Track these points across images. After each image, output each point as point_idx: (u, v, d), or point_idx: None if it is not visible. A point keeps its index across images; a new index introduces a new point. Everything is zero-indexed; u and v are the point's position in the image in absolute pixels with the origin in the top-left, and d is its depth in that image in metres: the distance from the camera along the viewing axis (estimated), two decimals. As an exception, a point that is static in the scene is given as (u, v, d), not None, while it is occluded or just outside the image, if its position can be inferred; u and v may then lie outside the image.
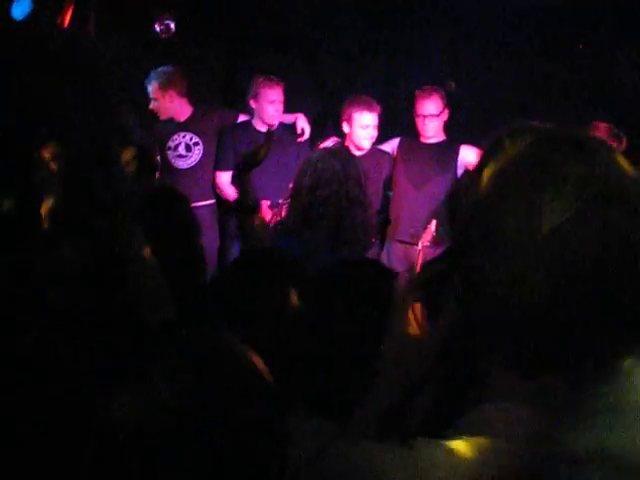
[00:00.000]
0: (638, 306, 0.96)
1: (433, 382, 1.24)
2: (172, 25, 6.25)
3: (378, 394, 1.28)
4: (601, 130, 5.08)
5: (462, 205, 1.05)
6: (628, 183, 0.98)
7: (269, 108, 5.44)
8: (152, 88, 5.55)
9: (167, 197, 3.45)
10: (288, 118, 5.61)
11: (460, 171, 5.36)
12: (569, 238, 0.93)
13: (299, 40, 6.40)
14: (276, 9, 6.12)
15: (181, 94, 5.55)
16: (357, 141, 5.20)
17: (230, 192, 5.48)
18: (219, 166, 5.55)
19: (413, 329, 1.23)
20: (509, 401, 1.02)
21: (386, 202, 5.41)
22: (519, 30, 5.89)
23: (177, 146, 5.57)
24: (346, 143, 5.24)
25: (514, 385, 1.02)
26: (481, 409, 1.05)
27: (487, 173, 1.02)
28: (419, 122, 5.39)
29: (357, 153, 5.09)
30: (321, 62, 6.54)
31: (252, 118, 5.59)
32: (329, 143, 5.32)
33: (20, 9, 5.48)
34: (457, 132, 5.49)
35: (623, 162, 1.02)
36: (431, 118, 5.35)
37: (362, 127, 5.18)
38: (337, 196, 3.19)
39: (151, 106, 5.60)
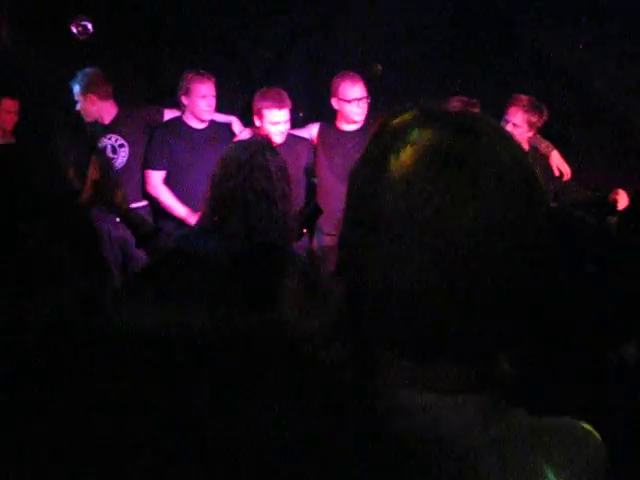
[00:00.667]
0: (520, 293, 0.98)
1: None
2: (89, 25, 6.13)
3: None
4: (522, 101, 5.13)
5: (353, 189, 1.05)
6: (512, 166, 0.98)
7: (201, 103, 5.34)
8: (75, 91, 5.45)
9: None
10: (221, 118, 5.53)
11: None
12: (450, 221, 0.93)
13: (220, 32, 6.34)
14: (194, 3, 6.06)
15: (102, 97, 5.43)
16: (268, 137, 5.11)
17: (164, 192, 5.40)
18: (150, 165, 5.43)
19: None
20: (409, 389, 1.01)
21: (312, 189, 5.36)
22: (439, 5, 5.92)
23: (104, 148, 5.47)
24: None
25: (411, 372, 1.01)
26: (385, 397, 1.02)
27: (372, 156, 1.03)
28: (349, 107, 5.29)
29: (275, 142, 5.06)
30: (244, 53, 6.49)
31: (183, 114, 5.48)
32: (245, 135, 5.27)
33: None
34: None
35: (512, 143, 1.02)
36: (364, 101, 5.29)
37: (272, 124, 5.11)
38: (242, 188, 3.08)
39: (77, 108, 5.50)
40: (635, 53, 5.85)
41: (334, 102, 5.38)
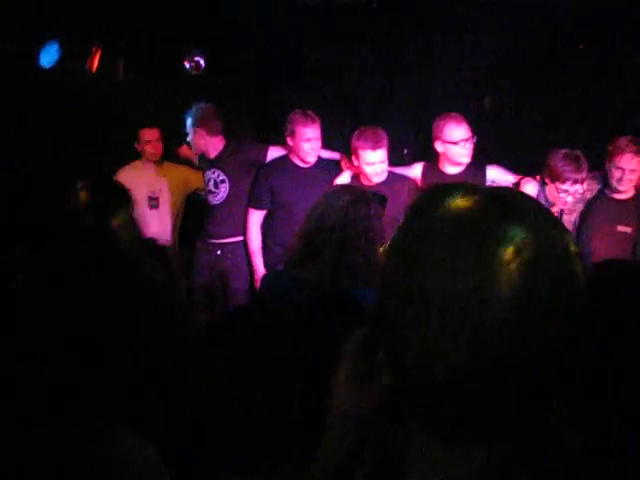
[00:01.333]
0: (553, 379, 0.97)
1: (368, 451, 1.21)
2: (202, 61, 6.29)
3: (320, 460, 1.25)
4: (631, 146, 4.88)
5: (390, 263, 1.03)
6: (557, 248, 0.96)
7: (306, 146, 5.32)
8: (187, 123, 5.59)
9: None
10: (327, 155, 5.52)
11: None
12: (490, 302, 0.92)
13: (328, 70, 6.36)
14: (301, 40, 6.12)
15: (211, 132, 5.53)
16: (366, 176, 5.12)
17: (254, 236, 5.44)
18: (251, 203, 5.49)
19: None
20: (430, 471, 0.99)
21: None
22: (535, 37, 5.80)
23: (208, 182, 5.58)
24: (360, 174, 5.21)
25: (435, 453, 0.99)
26: None
27: (411, 233, 1.02)
28: (455, 149, 5.15)
29: (376, 181, 5.12)
30: (351, 90, 6.49)
31: (289, 153, 5.48)
32: (346, 176, 5.28)
33: (48, 57, 5.56)
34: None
35: (554, 224, 0.99)
36: (471, 141, 5.15)
37: (368, 164, 5.05)
38: (343, 223, 3.14)
39: (187, 139, 5.63)
40: None
41: (438, 145, 5.23)
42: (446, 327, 0.93)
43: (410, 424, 1.03)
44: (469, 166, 5.25)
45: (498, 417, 0.96)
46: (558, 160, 4.89)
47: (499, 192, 1.01)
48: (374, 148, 5.02)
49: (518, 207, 0.98)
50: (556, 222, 1.00)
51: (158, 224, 5.65)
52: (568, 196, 4.90)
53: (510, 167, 5.37)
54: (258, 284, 5.29)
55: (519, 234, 0.94)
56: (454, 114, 5.24)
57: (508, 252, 0.93)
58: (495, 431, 0.97)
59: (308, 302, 2.83)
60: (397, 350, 0.99)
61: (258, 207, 5.47)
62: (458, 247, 0.94)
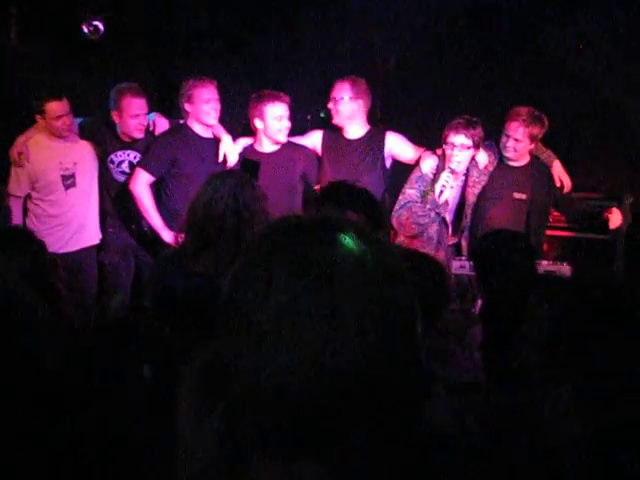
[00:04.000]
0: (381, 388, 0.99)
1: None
2: (101, 26, 6.11)
3: None
4: (522, 115, 4.90)
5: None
6: (351, 264, 0.99)
7: (206, 107, 5.18)
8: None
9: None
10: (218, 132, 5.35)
11: (388, 162, 5.23)
12: (294, 315, 0.94)
13: (231, 33, 6.28)
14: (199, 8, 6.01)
15: (128, 114, 5.25)
16: (273, 135, 5.13)
17: (146, 193, 5.20)
18: (145, 166, 5.22)
19: None
20: None
21: (312, 197, 5.05)
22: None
23: (120, 163, 5.40)
24: (257, 139, 5.21)
25: (273, 472, 1.01)
26: None
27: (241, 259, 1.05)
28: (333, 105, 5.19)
29: (271, 148, 5.15)
30: (255, 55, 6.42)
31: (187, 121, 5.31)
32: (241, 144, 5.29)
33: None
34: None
35: (362, 240, 1.03)
36: (343, 102, 5.17)
37: (276, 119, 5.08)
38: (234, 210, 3.08)
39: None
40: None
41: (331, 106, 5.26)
42: (269, 345, 0.96)
43: (253, 444, 1.04)
44: (370, 131, 5.27)
45: (332, 434, 0.98)
46: (454, 122, 4.93)
47: (312, 218, 1.07)
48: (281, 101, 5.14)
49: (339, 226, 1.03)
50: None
51: (79, 205, 5.42)
52: (454, 149, 4.85)
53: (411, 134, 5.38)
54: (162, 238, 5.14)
55: (318, 255, 0.99)
56: (349, 78, 5.24)
57: (308, 271, 0.97)
58: (330, 448, 0.99)
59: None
60: (234, 368, 1.02)
61: (151, 172, 5.21)
62: (265, 268, 0.98)
